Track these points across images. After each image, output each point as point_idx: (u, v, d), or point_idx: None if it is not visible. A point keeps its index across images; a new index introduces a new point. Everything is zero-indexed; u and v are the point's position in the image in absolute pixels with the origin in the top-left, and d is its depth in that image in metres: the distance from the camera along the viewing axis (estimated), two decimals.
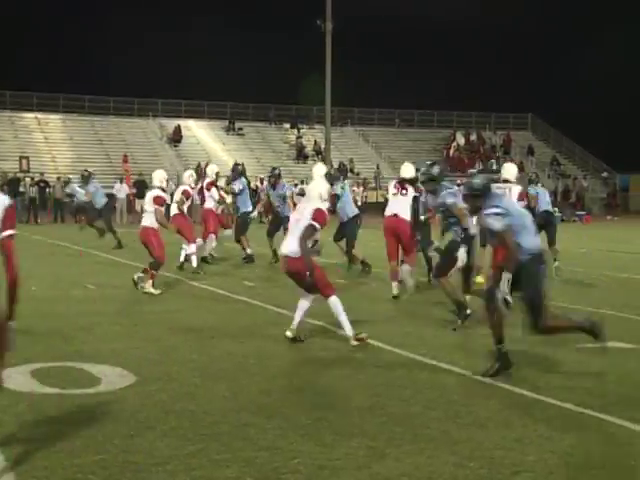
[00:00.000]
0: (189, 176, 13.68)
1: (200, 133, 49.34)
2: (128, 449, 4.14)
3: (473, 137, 53.46)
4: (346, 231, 12.85)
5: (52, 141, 45.17)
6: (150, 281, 10.29)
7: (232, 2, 60.49)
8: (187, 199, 12.90)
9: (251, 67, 54.11)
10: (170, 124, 48.52)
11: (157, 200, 10.70)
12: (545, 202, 13.13)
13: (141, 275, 10.39)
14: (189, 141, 47.81)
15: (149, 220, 10.66)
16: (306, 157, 48.67)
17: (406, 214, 10.14)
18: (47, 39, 56.17)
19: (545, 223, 12.54)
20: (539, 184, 13.79)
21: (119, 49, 52.51)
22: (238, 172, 16.29)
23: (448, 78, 57.21)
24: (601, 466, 4.03)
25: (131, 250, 17.03)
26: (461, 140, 52.46)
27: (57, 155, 43.36)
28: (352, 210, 13.08)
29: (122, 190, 31.52)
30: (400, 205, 10.28)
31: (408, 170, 10.57)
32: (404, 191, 10.38)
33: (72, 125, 46.82)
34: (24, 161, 39.91)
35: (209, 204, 14.37)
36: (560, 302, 9.70)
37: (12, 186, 31.69)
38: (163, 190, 11.13)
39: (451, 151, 51.52)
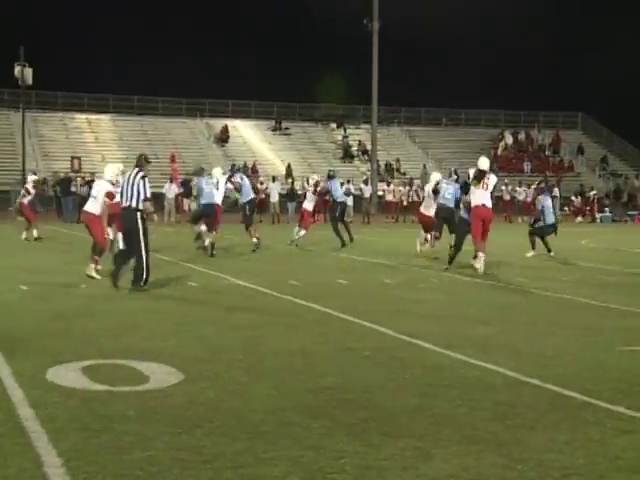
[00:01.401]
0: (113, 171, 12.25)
1: (247, 133, 49.68)
2: (175, 446, 4.18)
3: (521, 136, 52.84)
4: None
5: (102, 141, 45.95)
6: (93, 265, 11.16)
7: (279, 2, 60.69)
8: (110, 199, 11.70)
9: (298, 67, 54.22)
10: (217, 124, 48.97)
11: (109, 195, 11.51)
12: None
13: (98, 267, 11.29)
14: (236, 141, 48.17)
15: (94, 207, 11.55)
16: (352, 157, 48.63)
17: (490, 204, 12.95)
18: (96, 40, 57.08)
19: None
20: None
21: (168, 50, 53.09)
22: (236, 170, 19.12)
23: (495, 77, 56.62)
24: None
25: (177, 249, 17.22)
26: (509, 139, 51.89)
27: (107, 155, 44.06)
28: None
29: (171, 190, 31.86)
30: (485, 196, 12.83)
31: (484, 162, 12.99)
32: (486, 185, 12.86)
33: (122, 125, 47.57)
34: (75, 161, 40.69)
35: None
36: (614, 304, 9.55)
37: (64, 186, 32.30)
38: (113, 184, 11.71)
39: (499, 150, 50.97)
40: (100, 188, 11.77)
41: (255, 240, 16.60)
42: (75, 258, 12.52)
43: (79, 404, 4.92)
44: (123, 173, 11.35)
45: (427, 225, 16.11)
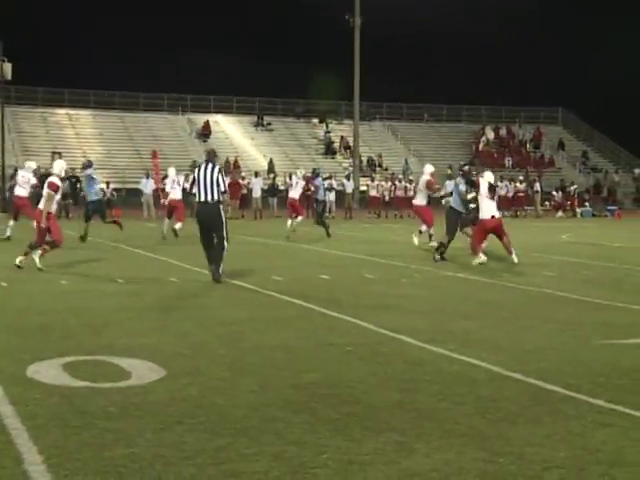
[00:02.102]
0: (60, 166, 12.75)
1: (229, 128, 49.52)
2: (158, 443, 4.16)
3: (503, 132, 53.06)
4: None
5: (83, 137, 45.63)
6: (39, 252, 11.79)
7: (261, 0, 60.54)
8: (55, 192, 12.01)
9: (280, 62, 54.13)
10: (199, 119, 48.77)
11: (51, 185, 11.95)
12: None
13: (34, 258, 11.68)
14: (218, 136, 48.00)
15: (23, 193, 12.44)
16: (334, 152, 48.62)
17: (498, 213, 13.57)
18: (77, 35, 56.69)
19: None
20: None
21: (149, 45, 52.82)
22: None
23: (477, 72, 56.81)
24: (633, 463, 3.98)
25: (163, 245, 17.17)
26: (490, 135, 52.10)
27: (88, 150, 43.75)
28: None
29: (148, 185, 31.73)
30: (493, 207, 13.39)
31: (490, 176, 13.83)
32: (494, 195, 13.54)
33: (102, 121, 47.25)
34: (56, 156, 40.32)
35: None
36: (594, 298, 9.62)
37: (44, 181, 32.06)
38: (61, 180, 12.42)
39: (480, 146, 51.16)
40: (46, 184, 12.23)
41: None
42: (54, 254, 12.43)
43: (60, 401, 4.89)
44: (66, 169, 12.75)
45: (423, 216, 16.69)
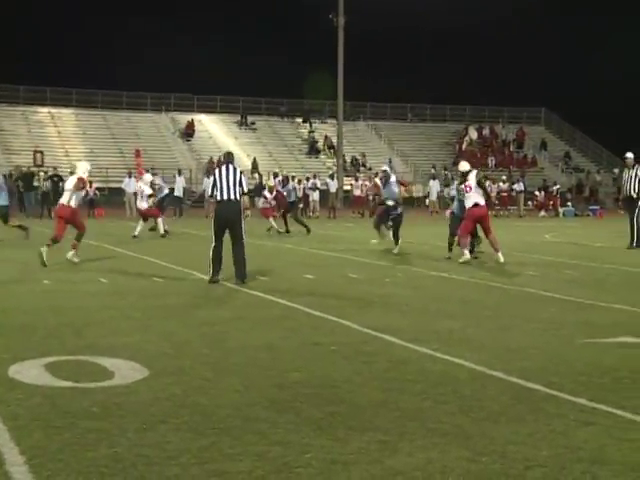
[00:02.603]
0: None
1: (212, 127, 49.41)
2: (140, 442, 4.15)
3: (486, 131, 53.27)
4: None
5: (65, 135, 45.38)
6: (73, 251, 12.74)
7: None
8: (82, 188, 13.35)
9: (263, 61, 54.07)
10: (182, 118, 48.64)
11: (81, 181, 12.88)
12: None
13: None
14: (201, 135, 47.89)
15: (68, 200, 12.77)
16: (318, 151, 48.62)
17: (482, 201, 13.73)
18: (60, 35, 56.35)
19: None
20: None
21: (131, 44, 52.60)
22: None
23: (460, 72, 57.00)
24: (615, 461, 4.01)
25: (144, 244, 17.11)
26: (474, 134, 52.31)
27: (70, 149, 43.54)
28: None
29: (130, 184, 31.64)
30: (476, 196, 13.63)
31: (464, 165, 14.32)
32: (469, 188, 13.70)
33: (85, 119, 47.01)
34: (38, 155, 40.10)
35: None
36: (576, 297, 9.68)
37: (26, 180, 31.84)
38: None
39: (464, 145, 51.34)
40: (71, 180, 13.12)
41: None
42: (36, 253, 12.36)
43: (42, 401, 4.86)
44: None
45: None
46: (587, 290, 10.45)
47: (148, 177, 21.13)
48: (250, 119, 49.68)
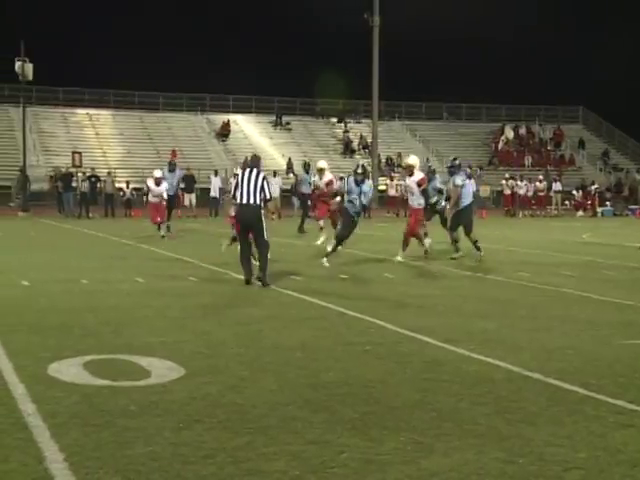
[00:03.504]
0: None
1: (248, 128, 49.60)
2: (177, 441, 4.18)
3: (522, 131, 52.76)
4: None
5: (103, 137, 45.89)
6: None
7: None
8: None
9: (299, 61, 54.11)
10: (218, 119, 48.89)
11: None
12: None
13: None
14: (237, 136, 48.10)
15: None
16: (353, 151, 48.56)
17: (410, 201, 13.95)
18: (98, 37, 57.00)
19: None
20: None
21: (169, 46, 53.03)
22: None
23: (496, 71, 56.50)
24: None
25: (178, 243, 17.23)
26: (510, 134, 51.83)
27: (108, 150, 44.02)
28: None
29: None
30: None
31: (413, 159, 14.11)
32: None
33: (122, 121, 47.49)
34: (76, 156, 40.56)
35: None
36: (614, 298, 9.55)
37: (65, 181, 32.27)
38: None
39: (500, 145, 50.91)
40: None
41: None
42: (75, 253, 12.51)
43: (80, 399, 4.92)
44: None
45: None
46: (625, 291, 10.30)
47: (157, 173, 19.86)
48: (285, 119, 49.80)
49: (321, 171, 18.15)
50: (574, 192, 40.21)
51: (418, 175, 13.80)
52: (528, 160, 49.24)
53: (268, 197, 10.64)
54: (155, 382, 5.36)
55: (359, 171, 13.40)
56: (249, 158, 11.85)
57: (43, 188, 36.66)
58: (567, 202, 39.91)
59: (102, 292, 9.70)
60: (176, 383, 5.34)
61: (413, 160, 14.05)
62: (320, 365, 5.91)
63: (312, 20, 55.46)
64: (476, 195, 37.73)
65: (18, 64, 34.83)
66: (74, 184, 32.55)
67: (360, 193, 13.08)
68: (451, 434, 4.34)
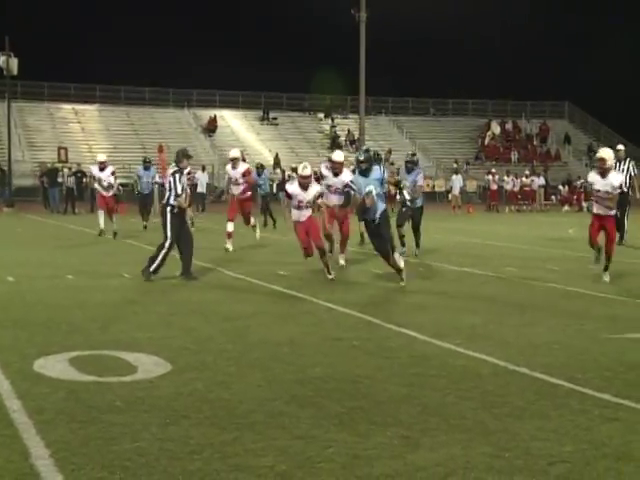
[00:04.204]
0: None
1: (234, 123, 49.49)
2: (163, 437, 4.17)
3: (508, 126, 52.93)
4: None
5: (89, 132, 45.68)
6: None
7: None
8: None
9: (285, 57, 54.07)
10: (205, 114, 48.75)
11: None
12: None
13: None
14: (224, 131, 47.99)
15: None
16: (340, 146, 48.55)
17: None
18: (84, 32, 56.69)
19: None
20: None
21: (155, 41, 52.80)
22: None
23: (482, 66, 56.64)
24: (639, 457, 3.97)
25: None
26: (496, 129, 51.99)
27: (94, 145, 43.81)
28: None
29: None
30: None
31: (338, 154, 12.59)
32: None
33: (108, 116, 47.30)
34: (62, 151, 40.37)
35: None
36: (600, 292, 9.60)
37: (51, 176, 32.09)
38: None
39: (486, 140, 51.05)
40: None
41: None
42: (61, 249, 12.45)
43: (67, 395, 4.90)
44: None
45: None
46: (611, 285, 10.36)
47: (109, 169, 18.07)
48: (272, 114, 49.74)
49: (235, 160, 15.15)
50: (560, 187, 40.38)
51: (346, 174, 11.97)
52: (514, 155, 49.39)
53: (175, 193, 10.37)
54: (142, 378, 5.35)
55: (408, 159, 14.07)
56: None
57: (33, 184, 36.43)
58: (553, 197, 40.07)
59: (89, 288, 9.66)
60: (163, 379, 5.33)
61: (338, 156, 12.43)
62: (307, 360, 5.91)
63: (299, 15, 55.41)
64: (463, 190, 37.61)
65: (3, 59, 34.61)
66: (60, 179, 32.37)
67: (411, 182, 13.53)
68: (438, 429, 4.35)
